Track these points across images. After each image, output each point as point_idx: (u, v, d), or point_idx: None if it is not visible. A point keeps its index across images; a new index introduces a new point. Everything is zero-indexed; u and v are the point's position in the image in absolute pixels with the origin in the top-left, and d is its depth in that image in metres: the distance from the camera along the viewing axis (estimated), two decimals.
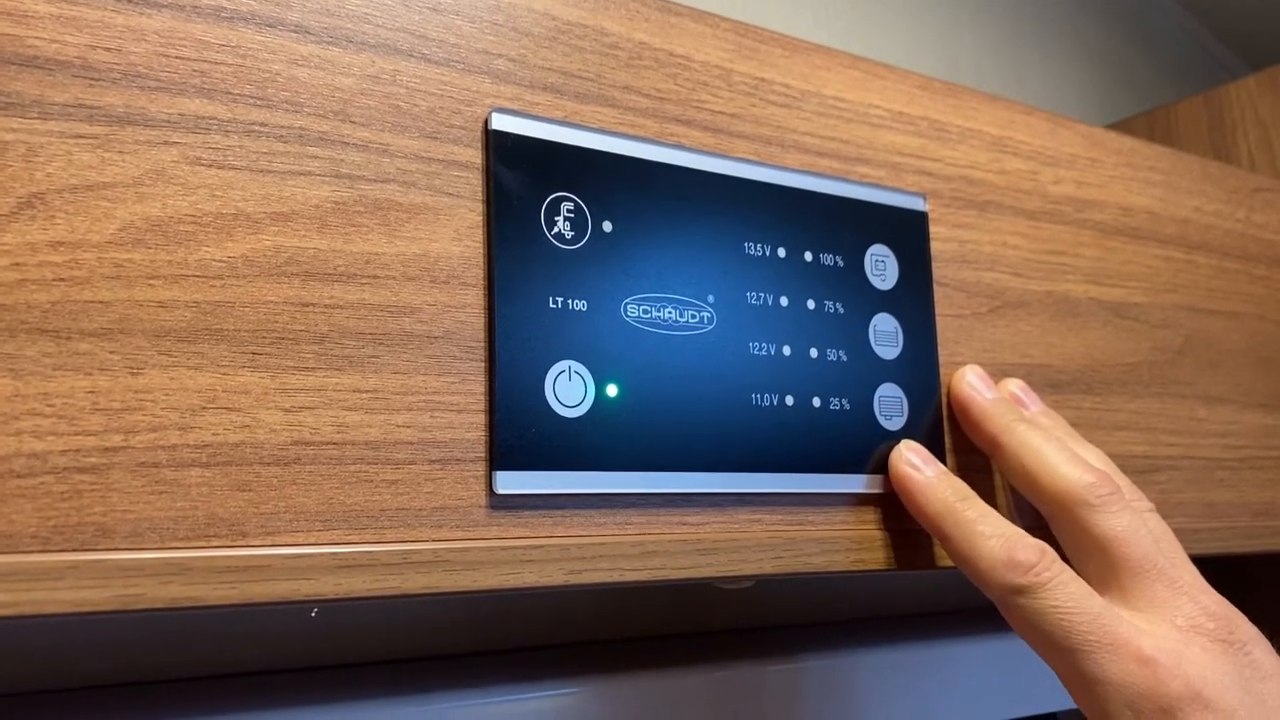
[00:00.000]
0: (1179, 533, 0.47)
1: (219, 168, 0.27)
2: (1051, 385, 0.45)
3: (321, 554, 0.27)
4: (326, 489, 0.27)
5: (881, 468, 0.38)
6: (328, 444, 0.28)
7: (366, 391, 0.28)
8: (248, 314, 0.27)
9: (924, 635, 0.55)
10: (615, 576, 0.32)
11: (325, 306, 0.28)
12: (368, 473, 0.28)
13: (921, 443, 0.39)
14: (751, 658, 0.50)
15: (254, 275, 0.27)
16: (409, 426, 0.29)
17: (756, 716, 0.48)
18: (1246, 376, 0.54)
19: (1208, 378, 0.52)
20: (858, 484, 0.38)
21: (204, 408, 0.26)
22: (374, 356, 0.29)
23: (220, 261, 0.27)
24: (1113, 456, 0.46)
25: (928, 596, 0.66)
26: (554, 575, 0.30)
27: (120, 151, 0.26)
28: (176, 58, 0.27)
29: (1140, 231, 0.50)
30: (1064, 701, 0.58)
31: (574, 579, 0.31)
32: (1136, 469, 0.47)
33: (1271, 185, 0.58)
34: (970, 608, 0.64)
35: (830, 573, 0.37)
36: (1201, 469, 0.50)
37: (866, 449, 0.38)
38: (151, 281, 0.26)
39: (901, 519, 0.38)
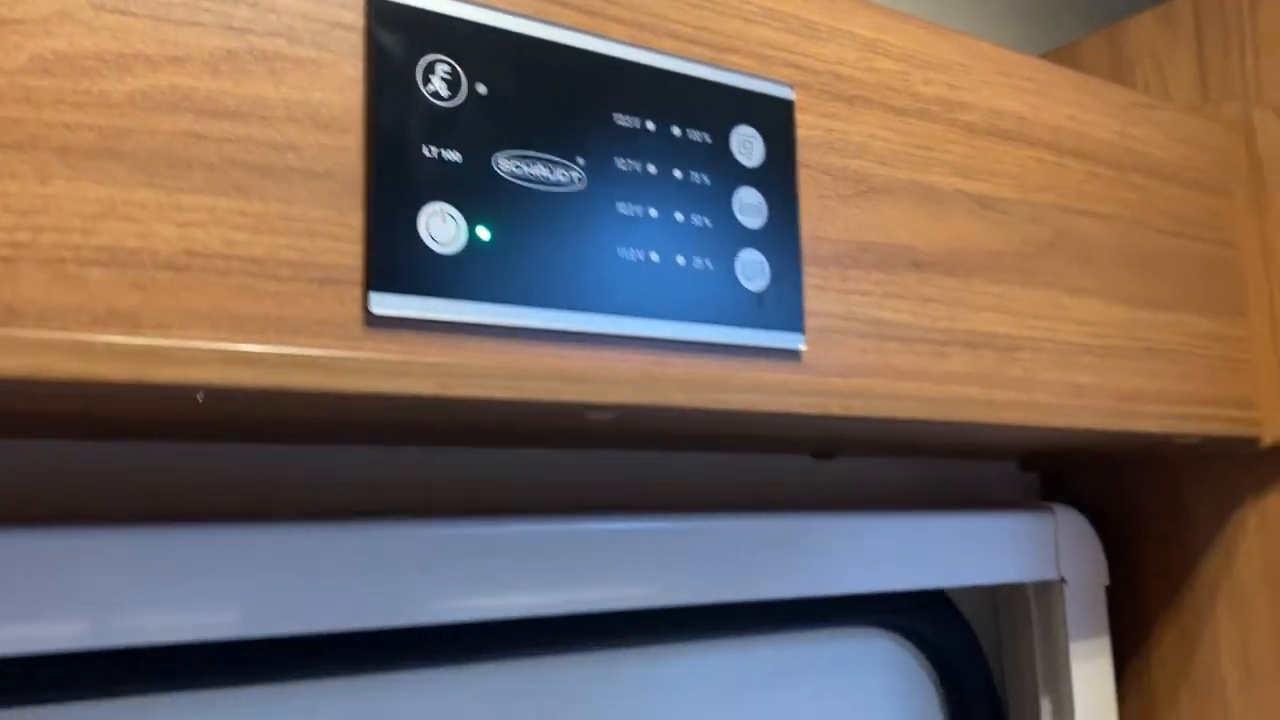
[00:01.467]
0: (1040, 408, 0.51)
1: (120, 14, 0.31)
2: (914, 265, 0.49)
3: (210, 349, 0.31)
4: (214, 295, 0.32)
5: (742, 321, 0.42)
6: (216, 256, 0.32)
7: (252, 215, 0.33)
8: (145, 140, 0.31)
9: (822, 508, 0.59)
10: (483, 392, 0.36)
11: (216, 139, 0.32)
12: (252, 284, 0.32)
13: (781, 307, 0.43)
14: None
15: (151, 108, 0.31)
16: (291, 248, 0.33)
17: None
18: (1116, 274, 0.58)
19: (1076, 271, 0.56)
20: (719, 334, 0.42)
21: (104, 215, 0.30)
22: (260, 185, 0.33)
23: (120, 93, 0.31)
24: (975, 334, 0.51)
25: (818, 480, 0.70)
26: (425, 386, 0.35)
27: None
28: None
29: (1010, 133, 0.54)
30: (954, 579, 0.63)
31: (444, 391, 0.35)
32: (1000, 346, 0.51)
33: (1149, 102, 0.62)
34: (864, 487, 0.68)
35: (690, 408, 0.41)
36: (1066, 352, 0.54)
37: (728, 305, 0.42)
38: (59, 105, 0.30)
39: (760, 368, 0.42)
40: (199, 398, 0.31)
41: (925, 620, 0.66)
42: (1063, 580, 0.67)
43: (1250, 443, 0.63)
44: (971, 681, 0.68)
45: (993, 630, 0.72)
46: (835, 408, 0.45)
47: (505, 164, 0.38)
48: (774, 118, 0.45)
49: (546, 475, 0.57)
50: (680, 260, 0.41)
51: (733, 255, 0.43)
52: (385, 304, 0.34)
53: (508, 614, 0.48)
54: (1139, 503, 0.73)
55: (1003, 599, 0.72)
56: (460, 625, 0.49)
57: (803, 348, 0.44)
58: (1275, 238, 0.64)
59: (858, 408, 0.46)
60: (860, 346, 0.46)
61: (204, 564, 0.41)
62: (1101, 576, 0.69)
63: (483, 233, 0.37)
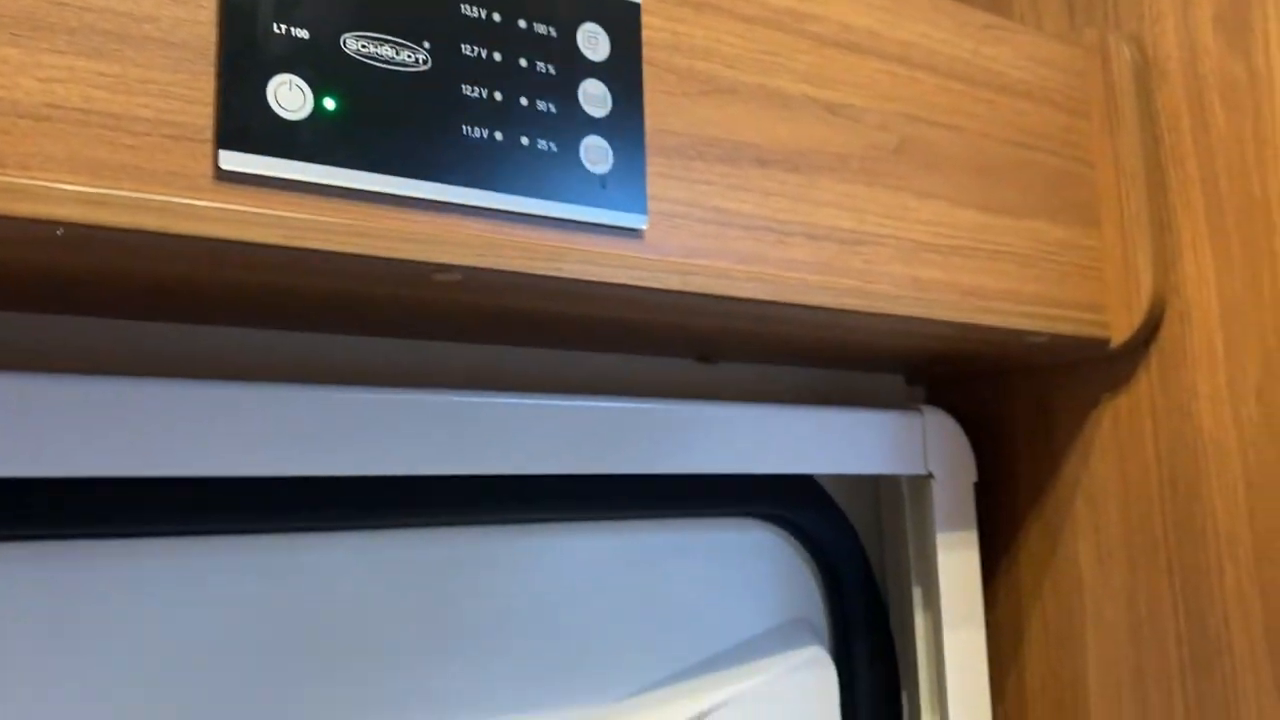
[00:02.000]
0: (881, 296, 0.56)
1: None
2: (759, 161, 0.54)
3: (68, 189, 0.35)
4: (74, 143, 0.36)
5: (584, 201, 0.47)
6: (76, 110, 0.36)
7: (111, 76, 0.37)
8: (8, 4, 0.35)
9: (687, 395, 0.64)
10: (329, 245, 0.40)
11: (77, 8, 0.36)
12: (109, 137, 0.36)
13: (624, 190, 0.48)
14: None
15: None
16: (147, 108, 0.37)
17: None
18: (965, 180, 0.62)
19: (923, 176, 0.61)
20: (562, 210, 0.46)
21: None
22: (119, 50, 0.37)
23: None
24: (817, 226, 0.55)
25: (703, 384, 0.74)
26: (272, 236, 0.39)
27: None
28: None
29: (860, 46, 0.59)
30: (824, 467, 0.68)
31: (289, 241, 0.39)
32: (842, 239, 0.56)
33: (1005, 25, 0.67)
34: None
35: (530, 274, 0.45)
36: (910, 249, 0.59)
37: (572, 184, 0.47)
38: None
39: (601, 244, 0.47)
40: (58, 233, 0.36)
41: (803, 511, 0.71)
42: (931, 475, 0.72)
43: (1101, 344, 0.68)
44: (849, 572, 0.73)
45: (874, 525, 0.77)
46: (675, 283, 0.50)
47: (353, 44, 0.42)
48: (620, 17, 0.49)
49: (432, 367, 0.62)
50: (524, 141, 0.46)
51: (577, 140, 0.47)
52: (234, 161, 0.39)
53: (388, 471, 0.53)
54: (1012, 410, 0.78)
55: (883, 495, 0.77)
56: (355, 489, 0.54)
57: (644, 227, 0.49)
58: (1127, 156, 0.69)
59: (697, 285, 0.50)
60: (702, 231, 0.51)
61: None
62: (970, 474, 0.74)
63: (329, 103, 0.41)
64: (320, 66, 0.41)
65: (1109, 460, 0.71)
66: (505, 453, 0.56)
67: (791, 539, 0.73)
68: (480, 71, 0.45)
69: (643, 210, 0.49)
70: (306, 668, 0.54)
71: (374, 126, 0.42)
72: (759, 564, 0.71)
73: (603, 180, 0.48)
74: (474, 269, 0.44)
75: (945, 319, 0.60)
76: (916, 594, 0.74)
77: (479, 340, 0.63)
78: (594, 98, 0.48)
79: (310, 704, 0.54)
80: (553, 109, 0.47)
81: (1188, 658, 0.66)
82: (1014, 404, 0.77)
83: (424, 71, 0.43)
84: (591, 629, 0.63)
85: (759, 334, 0.63)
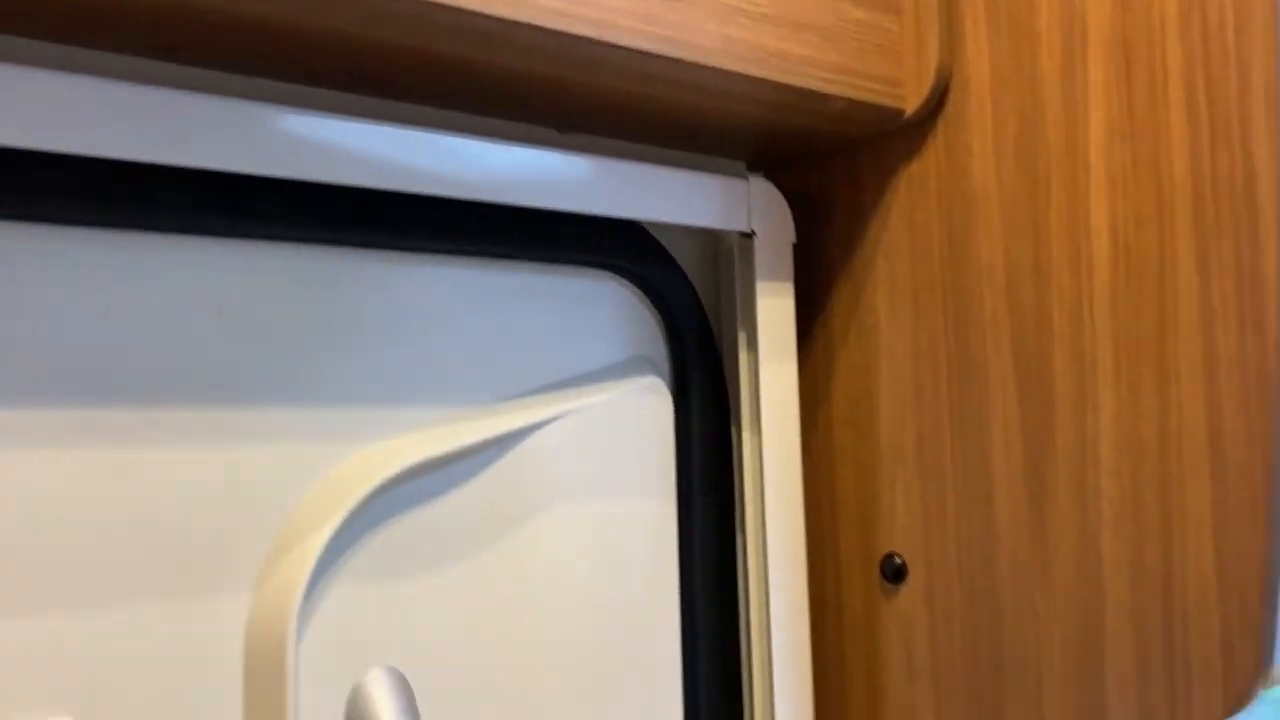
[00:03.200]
0: (693, 47, 0.66)
1: None
2: None
3: None
4: None
5: None
6: None
7: None
8: None
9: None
10: None
11: None
12: None
13: None
14: None
15: None
16: None
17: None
18: None
19: None
20: None
21: None
22: None
23: None
24: None
25: None
26: None
27: None
28: None
29: None
30: (658, 215, 0.79)
31: None
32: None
33: None
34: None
35: None
36: (724, 11, 0.69)
37: None
38: None
39: None
40: None
41: (643, 262, 0.82)
42: (754, 234, 0.84)
43: (896, 114, 0.80)
44: (685, 318, 0.85)
45: (712, 279, 0.89)
46: (503, 10, 0.59)
47: None
48: None
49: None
50: None
51: None
52: None
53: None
54: (830, 185, 0.89)
55: (719, 253, 0.88)
56: (205, 188, 0.62)
57: None
58: None
59: (526, 15, 0.60)
60: None
61: None
62: (788, 235, 0.86)
63: None
64: None
65: (903, 220, 0.83)
66: (352, 167, 0.65)
67: (634, 288, 0.84)
68: None
69: None
70: (164, 366, 0.63)
71: None
72: (604, 309, 0.83)
73: None
74: None
75: (752, 74, 0.70)
76: (742, 337, 0.86)
77: (340, 88, 0.71)
78: None
79: (167, 407, 0.64)
80: None
81: (955, 374, 0.79)
82: (832, 181, 0.89)
83: None
84: (443, 353, 0.74)
85: (596, 93, 0.73)
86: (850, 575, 0.87)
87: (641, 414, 0.83)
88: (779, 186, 0.88)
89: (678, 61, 0.67)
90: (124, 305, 0.61)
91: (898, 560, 0.83)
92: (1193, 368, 0.67)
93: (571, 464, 0.79)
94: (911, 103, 0.80)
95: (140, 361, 0.62)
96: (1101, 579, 0.70)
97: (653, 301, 0.85)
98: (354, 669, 0.68)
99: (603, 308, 0.83)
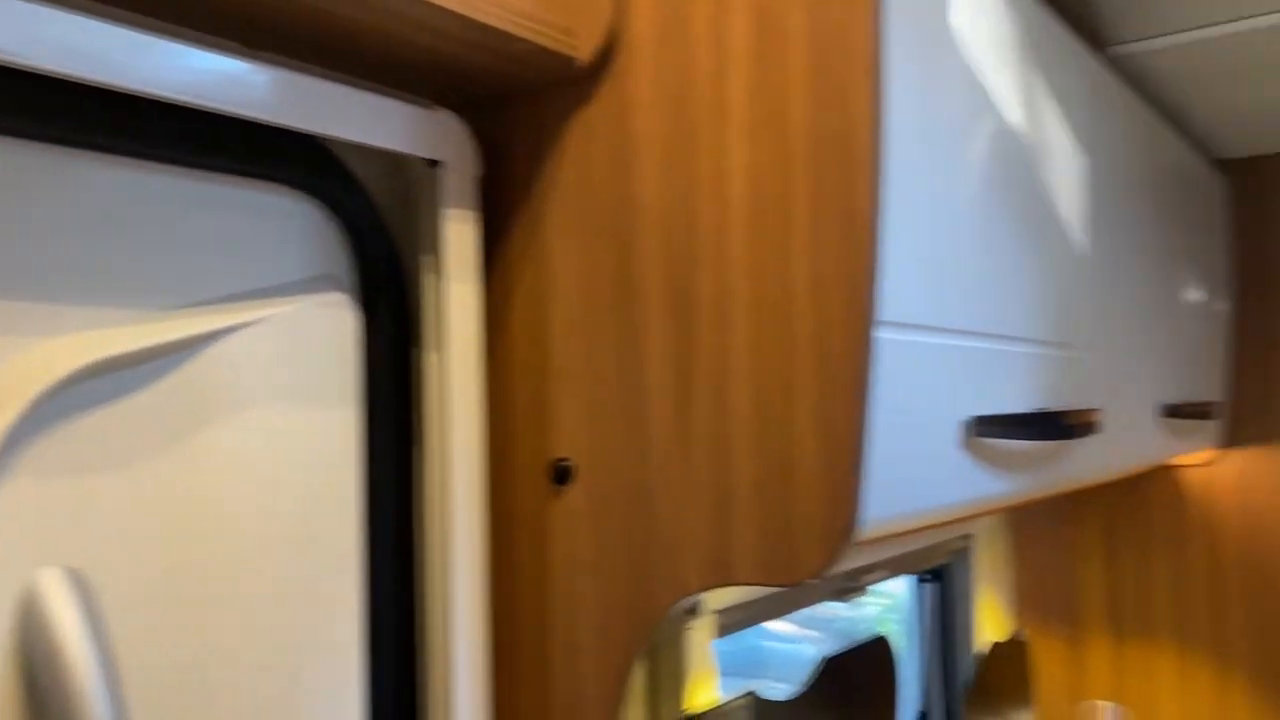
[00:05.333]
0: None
1: None
2: None
3: None
4: None
5: None
6: None
7: None
8: None
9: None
10: None
11: None
12: None
13: None
14: None
15: None
16: None
17: None
18: None
19: None
20: None
21: None
22: None
23: None
24: None
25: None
26: None
27: None
28: None
29: None
30: (348, 134, 0.82)
31: None
32: None
33: None
34: None
35: None
36: None
37: None
38: None
39: None
40: None
41: (329, 181, 0.86)
42: (440, 162, 0.90)
43: (571, 62, 0.89)
44: (372, 239, 0.90)
45: (402, 205, 0.94)
46: None
47: None
48: None
49: None
50: None
51: None
52: None
53: None
54: (516, 126, 0.97)
55: (411, 182, 0.93)
56: None
57: None
58: None
59: None
60: None
61: None
62: (473, 166, 0.93)
63: None
64: None
65: (575, 163, 0.93)
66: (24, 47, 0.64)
67: (323, 207, 0.87)
68: None
69: None
70: None
71: None
72: (293, 225, 0.85)
73: None
74: None
75: (439, 3, 0.76)
76: (429, 261, 0.92)
77: None
78: None
79: None
80: None
81: (617, 300, 0.90)
82: (515, 122, 0.97)
83: None
84: (126, 256, 0.74)
85: (285, 10, 0.76)
86: (524, 482, 0.96)
87: (326, 329, 0.86)
88: (471, 124, 0.95)
89: None
90: None
91: (565, 464, 0.92)
92: (806, 290, 0.81)
93: (254, 374, 0.81)
94: (585, 53, 0.89)
95: None
96: (733, 466, 0.83)
97: (342, 221, 0.89)
98: (30, 566, 0.67)
99: (291, 224, 0.85)
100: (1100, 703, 1.98)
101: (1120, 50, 1.43)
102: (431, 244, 0.92)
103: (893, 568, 1.64)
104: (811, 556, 0.79)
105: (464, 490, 0.92)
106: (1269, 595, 1.89)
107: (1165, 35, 1.41)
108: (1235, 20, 1.35)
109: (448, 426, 0.91)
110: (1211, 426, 1.83)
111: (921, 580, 1.91)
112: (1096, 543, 2.06)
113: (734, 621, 1.28)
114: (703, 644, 1.18)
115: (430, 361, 0.92)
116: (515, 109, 0.97)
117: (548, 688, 0.94)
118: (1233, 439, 1.93)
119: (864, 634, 1.51)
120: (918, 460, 0.85)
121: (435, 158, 0.90)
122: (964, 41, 0.92)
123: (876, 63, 0.78)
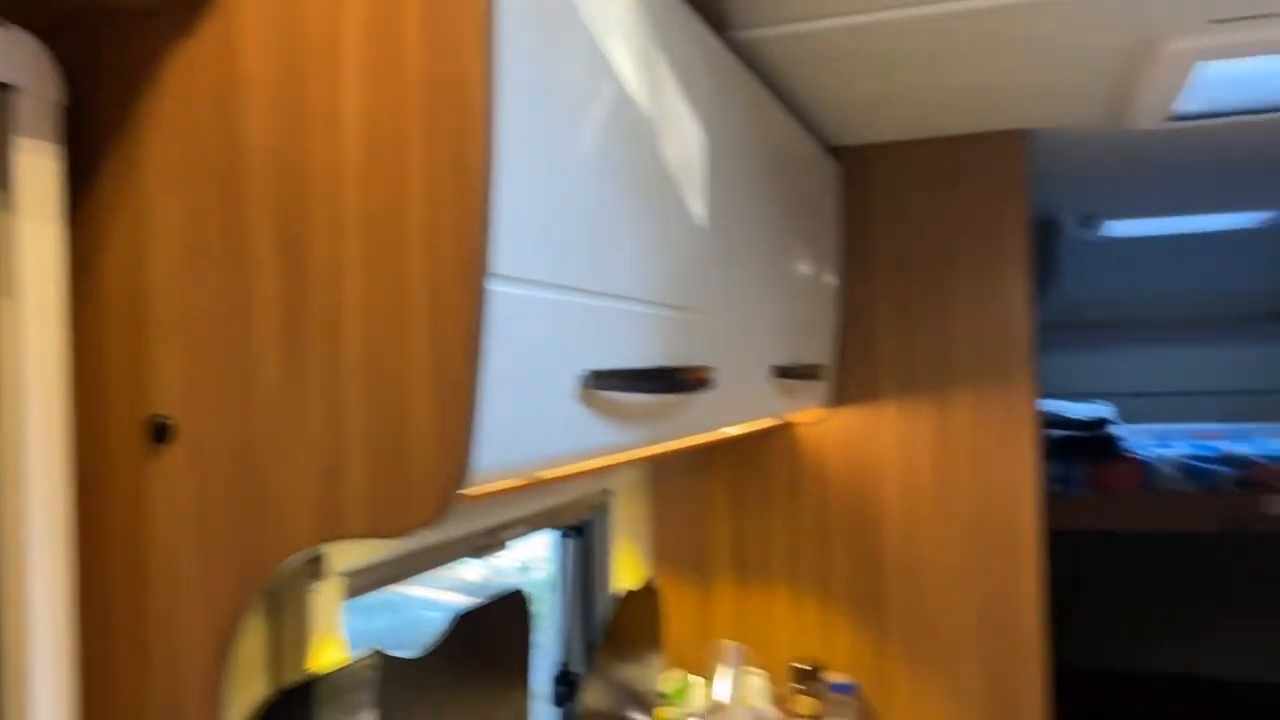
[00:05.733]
0: None
1: None
2: None
3: None
4: None
5: None
6: None
7: None
8: None
9: None
10: None
11: None
12: None
13: None
14: None
15: None
16: None
17: None
18: None
19: None
20: None
21: None
22: None
23: None
24: None
25: None
26: None
27: None
28: None
29: None
30: None
31: None
32: None
33: None
34: None
35: None
36: None
37: None
38: None
39: None
40: None
41: None
42: (13, 86, 0.80)
43: None
44: None
45: None
46: None
47: None
48: None
49: None
50: None
51: None
52: None
53: None
54: (107, 53, 0.88)
55: None
56: None
57: None
58: None
59: None
60: None
61: None
62: (53, 93, 0.84)
63: None
64: None
65: (178, 100, 0.86)
66: None
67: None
68: None
69: None
70: None
71: None
72: None
73: None
74: None
75: None
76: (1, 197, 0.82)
77: None
78: None
79: None
80: None
81: (224, 245, 0.85)
82: (106, 49, 0.88)
83: None
84: None
85: None
86: (119, 443, 0.88)
87: None
88: (54, 48, 0.85)
89: None
90: None
91: (165, 421, 0.86)
92: (420, 240, 0.80)
93: None
94: None
95: None
96: (345, 418, 0.82)
97: None
98: None
99: None
100: (725, 641, 2.15)
101: (741, 35, 1.53)
102: (2, 177, 0.82)
103: (533, 523, 1.69)
104: (423, 506, 0.79)
105: (42, 453, 0.84)
106: (864, 537, 2.14)
107: (782, 24, 1.53)
108: (849, 15, 1.48)
109: (21, 381, 0.82)
110: (820, 387, 2.03)
111: (565, 535, 1.98)
112: (724, 495, 2.24)
113: (365, 583, 1.26)
114: (329, 606, 1.15)
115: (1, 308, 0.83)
116: (106, 33, 0.88)
117: (147, 655, 0.88)
118: (839, 399, 2.15)
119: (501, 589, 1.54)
120: (532, 411, 0.88)
121: (6, 80, 0.80)
122: (582, 6, 0.95)
123: (489, 12, 0.78)
